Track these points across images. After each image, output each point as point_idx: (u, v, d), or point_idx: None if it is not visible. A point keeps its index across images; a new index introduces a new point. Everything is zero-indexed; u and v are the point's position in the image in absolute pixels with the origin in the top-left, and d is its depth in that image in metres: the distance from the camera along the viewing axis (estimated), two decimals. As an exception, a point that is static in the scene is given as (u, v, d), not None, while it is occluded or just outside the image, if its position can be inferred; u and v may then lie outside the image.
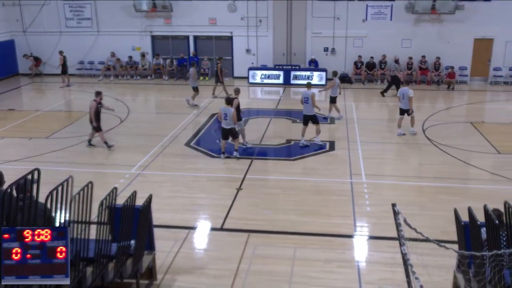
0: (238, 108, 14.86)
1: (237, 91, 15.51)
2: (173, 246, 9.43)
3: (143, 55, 26.58)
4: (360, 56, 25.19)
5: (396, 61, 23.44)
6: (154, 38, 26.97)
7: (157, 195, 10.56)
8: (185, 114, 19.20)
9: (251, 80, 25.36)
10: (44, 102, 22.50)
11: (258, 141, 16.02)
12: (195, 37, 26.74)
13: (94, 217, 6.05)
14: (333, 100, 18.34)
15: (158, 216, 9.64)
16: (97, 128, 15.16)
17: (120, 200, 6.95)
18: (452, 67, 24.34)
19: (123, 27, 26.24)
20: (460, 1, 23.68)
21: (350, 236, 9.99)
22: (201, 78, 26.28)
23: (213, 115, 19.07)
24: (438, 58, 24.51)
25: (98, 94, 15.22)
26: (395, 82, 21.78)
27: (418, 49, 24.81)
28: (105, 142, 15.22)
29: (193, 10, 25.77)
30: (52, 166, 13.39)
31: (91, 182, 5.88)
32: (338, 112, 18.52)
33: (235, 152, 14.45)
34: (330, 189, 12.32)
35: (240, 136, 14.97)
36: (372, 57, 25.10)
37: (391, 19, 24.84)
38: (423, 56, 24.76)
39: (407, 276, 5.74)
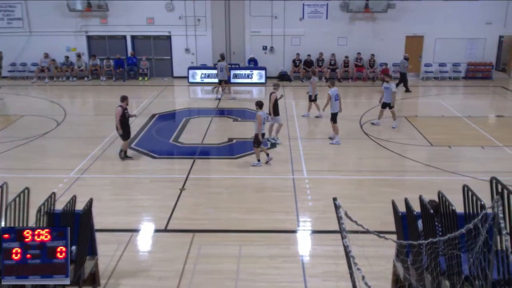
0: (276, 103, 15.12)
1: (277, 86, 15.80)
2: (117, 249, 9.26)
3: (79, 56, 25.87)
4: (298, 54, 25.61)
5: (406, 59, 23.54)
6: (90, 38, 26.30)
7: (98, 199, 10.34)
8: (125, 116, 18.81)
9: (191, 80, 25.23)
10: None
11: (199, 141, 15.98)
12: (133, 37, 26.29)
13: (32, 223, 5.86)
14: (312, 98, 18.38)
15: (100, 220, 9.43)
16: (123, 137, 14.06)
17: (59, 205, 6.75)
18: (386, 64, 25.23)
19: (56, 27, 25.40)
20: (391, 0, 24.54)
21: (294, 231, 10.16)
22: (140, 78, 25.91)
23: (153, 115, 18.84)
24: (373, 55, 25.30)
25: (124, 99, 13.89)
26: (403, 78, 22.83)
27: (353, 46, 25.54)
28: (125, 152, 14.17)
29: (130, 10, 25.31)
30: (-16, 173, 12.83)
31: (27, 188, 5.71)
32: (318, 110, 18.29)
33: (257, 162, 13.77)
34: (272, 186, 12.46)
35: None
36: (309, 55, 25.58)
37: (327, 18, 25.42)
38: (359, 53, 25.49)
39: (350, 267, 5.89)
